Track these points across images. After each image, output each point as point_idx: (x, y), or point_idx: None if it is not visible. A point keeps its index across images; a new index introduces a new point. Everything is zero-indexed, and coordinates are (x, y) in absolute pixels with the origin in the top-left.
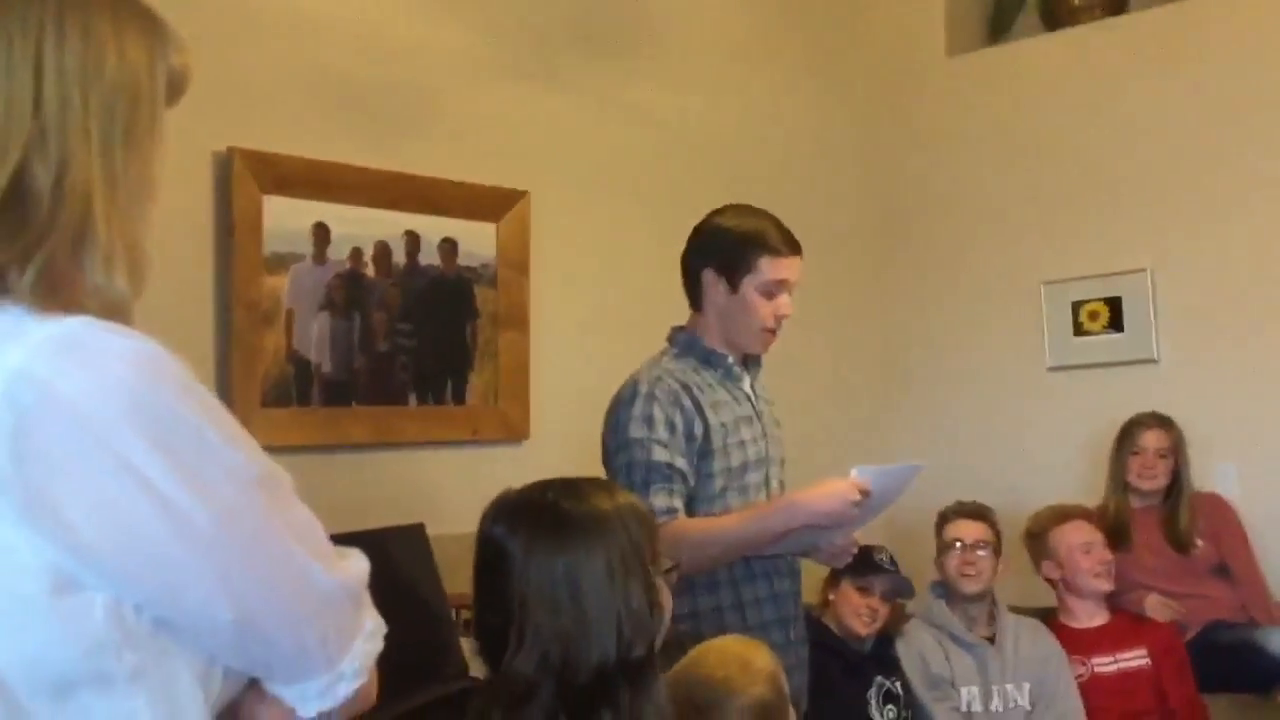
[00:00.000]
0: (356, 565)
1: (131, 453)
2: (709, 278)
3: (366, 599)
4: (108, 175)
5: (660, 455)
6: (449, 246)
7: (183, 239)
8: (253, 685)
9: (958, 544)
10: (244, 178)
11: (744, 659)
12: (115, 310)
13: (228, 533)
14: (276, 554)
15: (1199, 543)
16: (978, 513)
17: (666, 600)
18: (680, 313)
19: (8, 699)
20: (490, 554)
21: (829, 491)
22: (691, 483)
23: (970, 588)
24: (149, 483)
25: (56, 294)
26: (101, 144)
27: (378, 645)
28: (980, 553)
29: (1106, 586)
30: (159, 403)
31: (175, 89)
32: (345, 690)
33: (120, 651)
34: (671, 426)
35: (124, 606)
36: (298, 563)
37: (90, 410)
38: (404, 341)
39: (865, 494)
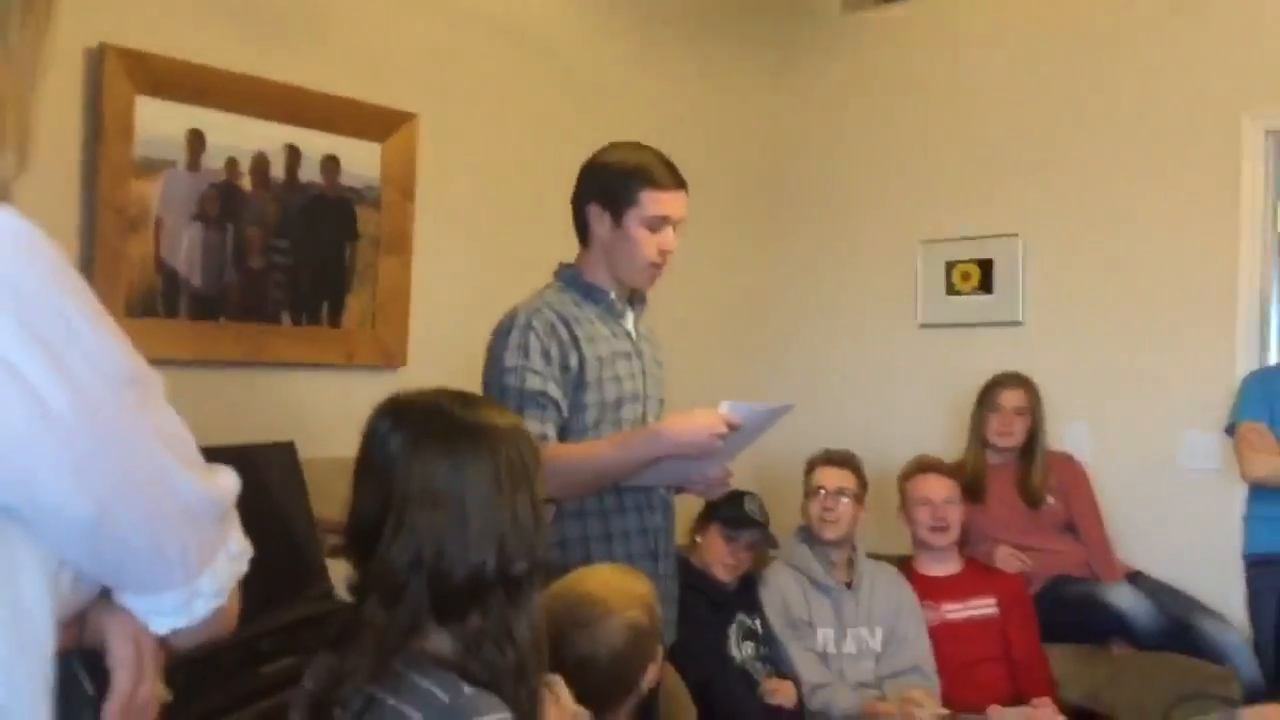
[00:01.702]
0: (226, 480)
1: None
2: (594, 212)
3: (234, 518)
4: (2, 51)
5: (533, 383)
6: (331, 164)
7: (48, 137)
8: (102, 596)
9: (821, 490)
10: (116, 76)
11: (622, 584)
12: None
13: (90, 425)
14: (140, 454)
15: (1050, 500)
16: (843, 460)
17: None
18: (565, 247)
19: None
20: (374, 448)
21: (694, 423)
22: (565, 412)
23: (829, 533)
24: (10, 365)
25: None
26: None
27: (242, 567)
28: (842, 500)
29: (936, 541)
30: (28, 283)
31: None
32: (202, 609)
33: None
34: (547, 356)
35: None
36: (162, 466)
37: None
38: (279, 259)
39: (733, 428)
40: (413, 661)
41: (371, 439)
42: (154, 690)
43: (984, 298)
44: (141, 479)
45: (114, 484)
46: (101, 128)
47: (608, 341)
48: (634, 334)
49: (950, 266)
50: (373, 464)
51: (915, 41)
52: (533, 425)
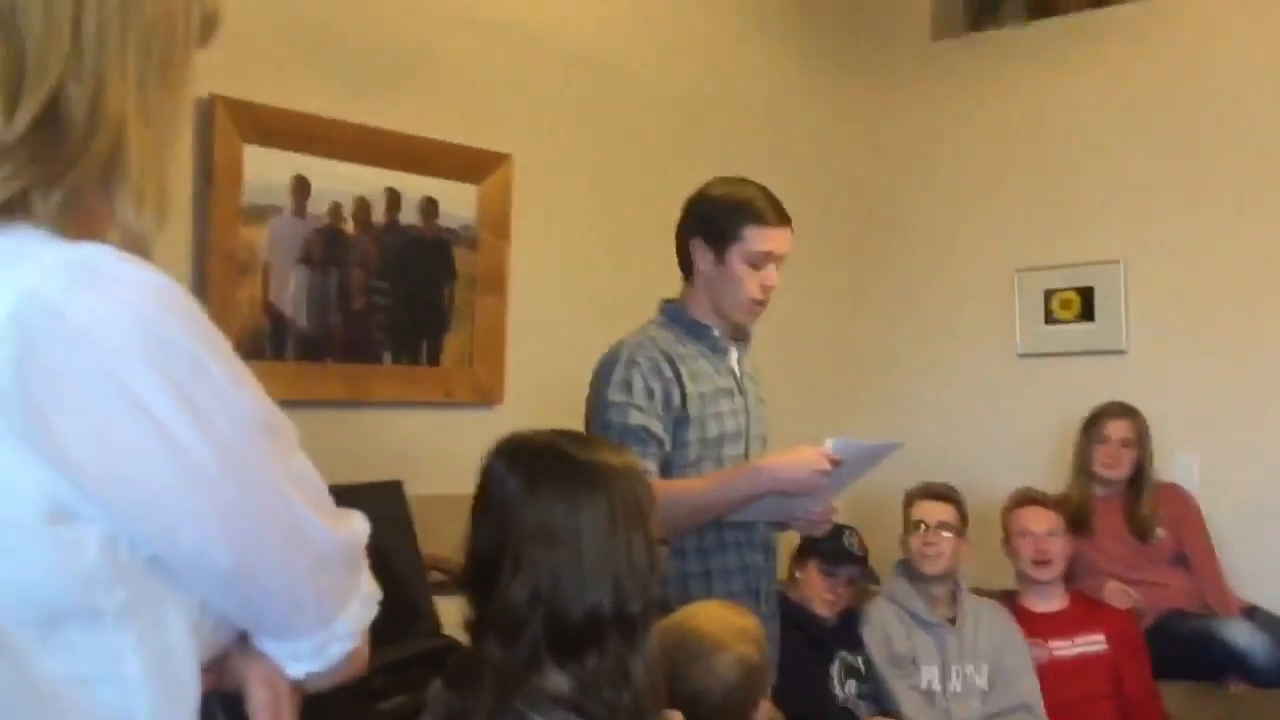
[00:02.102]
0: (357, 526)
1: (137, 383)
2: (697, 247)
3: (364, 562)
4: (141, 109)
5: (636, 419)
6: (429, 206)
7: None
8: (242, 640)
9: (921, 525)
10: (225, 126)
11: (732, 620)
12: (137, 246)
13: (229, 474)
14: (277, 502)
15: (1159, 532)
16: (943, 494)
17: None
18: (659, 283)
19: None
20: (491, 486)
21: (797, 459)
22: (667, 449)
23: (931, 568)
24: (152, 415)
25: (81, 225)
26: (137, 77)
27: (372, 611)
28: (944, 534)
29: (1039, 575)
30: (169, 336)
31: (207, 30)
32: (338, 652)
33: (111, 587)
34: (650, 393)
35: (119, 541)
36: (298, 514)
37: (98, 337)
38: (380, 300)
39: (836, 465)
40: (532, 701)
41: (489, 478)
42: None
43: (1085, 326)
44: (279, 527)
45: (253, 532)
46: (212, 176)
47: (710, 379)
48: (737, 371)
49: (1049, 295)
50: (490, 503)
51: (1006, 67)
52: None
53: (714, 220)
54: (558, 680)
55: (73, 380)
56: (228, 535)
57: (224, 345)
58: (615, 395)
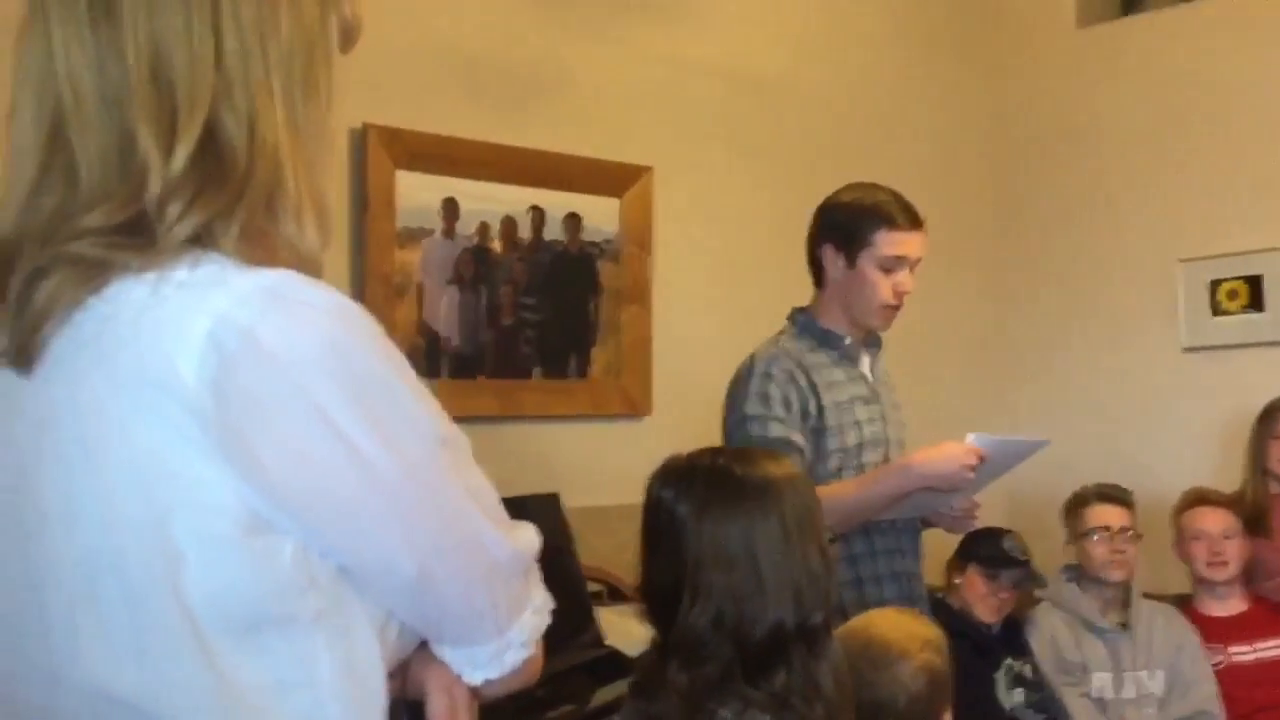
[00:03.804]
0: (529, 537)
1: (327, 402)
2: (828, 254)
3: (536, 572)
4: (291, 128)
5: (777, 431)
6: (573, 222)
7: None
8: (422, 648)
9: (1103, 530)
10: (378, 153)
11: (915, 628)
12: (307, 262)
13: (412, 487)
14: (456, 514)
15: None
16: (1119, 497)
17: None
18: (802, 291)
19: (196, 633)
20: (661, 517)
21: (944, 454)
22: (808, 458)
23: (1117, 575)
24: (342, 432)
25: (259, 252)
26: (284, 97)
27: (545, 620)
28: (1127, 538)
29: (1215, 577)
30: (355, 356)
31: (348, 38)
32: (513, 659)
33: (305, 594)
34: (787, 404)
35: (310, 552)
36: (475, 525)
37: (290, 359)
38: (528, 316)
39: (982, 460)
40: (735, 708)
41: (657, 508)
42: None
43: (1255, 316)
44: (458, 537)
45: (435, 542)
46: (366, 202)
47: (845, 387)
48: (870, 377)
49: (1215, 285)
50: (661, 533)
51: (1161, 49)
52: None
53: (844, 226)
54: (748, 691)
55: (267, 400)
56: (412, 545)
57: (404, 363)
58: (753, 408)
